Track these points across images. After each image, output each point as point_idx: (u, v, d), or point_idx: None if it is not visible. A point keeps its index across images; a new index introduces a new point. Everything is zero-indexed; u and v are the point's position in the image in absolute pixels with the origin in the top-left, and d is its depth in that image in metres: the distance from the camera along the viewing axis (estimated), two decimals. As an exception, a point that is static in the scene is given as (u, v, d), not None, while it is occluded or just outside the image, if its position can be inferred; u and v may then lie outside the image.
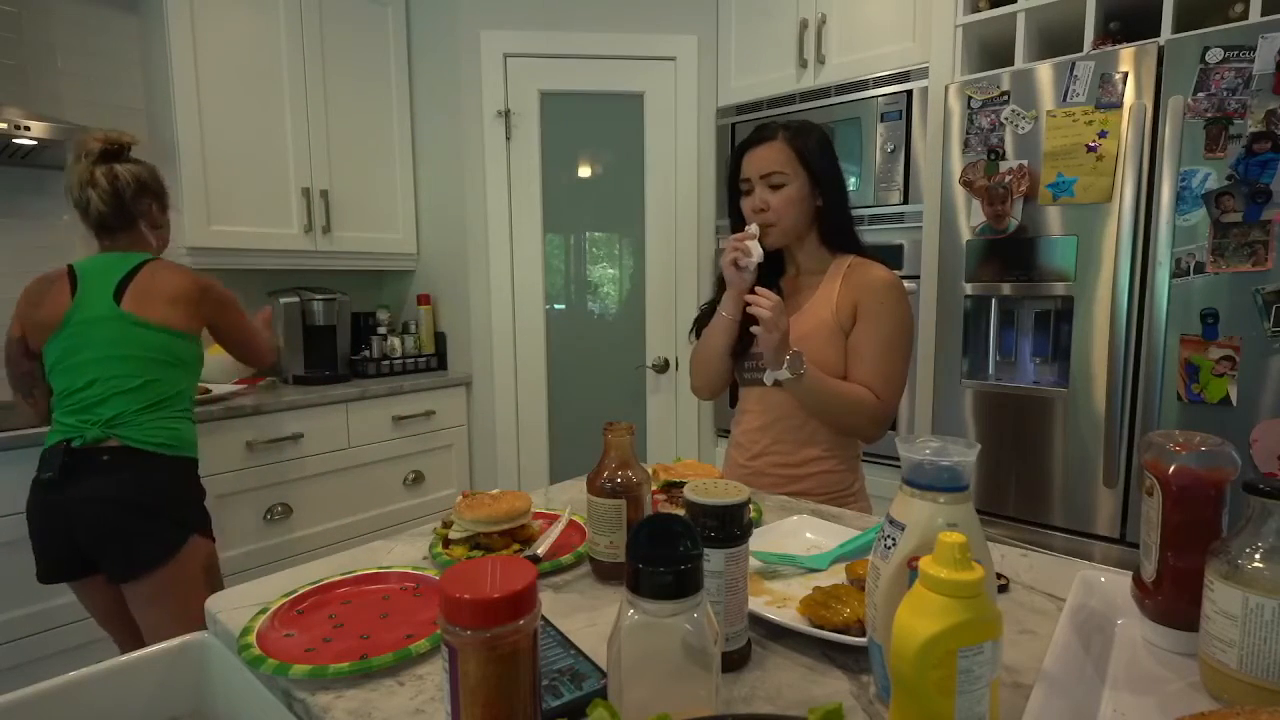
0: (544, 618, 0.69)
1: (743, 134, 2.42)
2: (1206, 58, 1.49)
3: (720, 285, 1.36)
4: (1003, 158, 1.76)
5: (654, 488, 1.05)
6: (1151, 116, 1.57)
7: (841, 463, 1.30)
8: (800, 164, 1.25)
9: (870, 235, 2.14)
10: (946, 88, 1.85)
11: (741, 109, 2.46)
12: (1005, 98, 1.75)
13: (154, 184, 1.59)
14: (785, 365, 1.15)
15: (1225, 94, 1.47)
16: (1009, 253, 1.77)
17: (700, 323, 1.41)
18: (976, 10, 1.95)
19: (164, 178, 1.62)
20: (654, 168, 2.56)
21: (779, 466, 1.30)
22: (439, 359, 2.81)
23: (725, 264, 1.26)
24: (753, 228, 1.25)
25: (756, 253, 1.23)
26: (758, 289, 1.15)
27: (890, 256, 2.11)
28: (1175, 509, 0.64)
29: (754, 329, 1.17)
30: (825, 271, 1.31)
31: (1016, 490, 1.80)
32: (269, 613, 0.75)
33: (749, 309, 1.15)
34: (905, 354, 1.27)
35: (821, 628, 0.69)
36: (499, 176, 2.53)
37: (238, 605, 0.80)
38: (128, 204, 1.53)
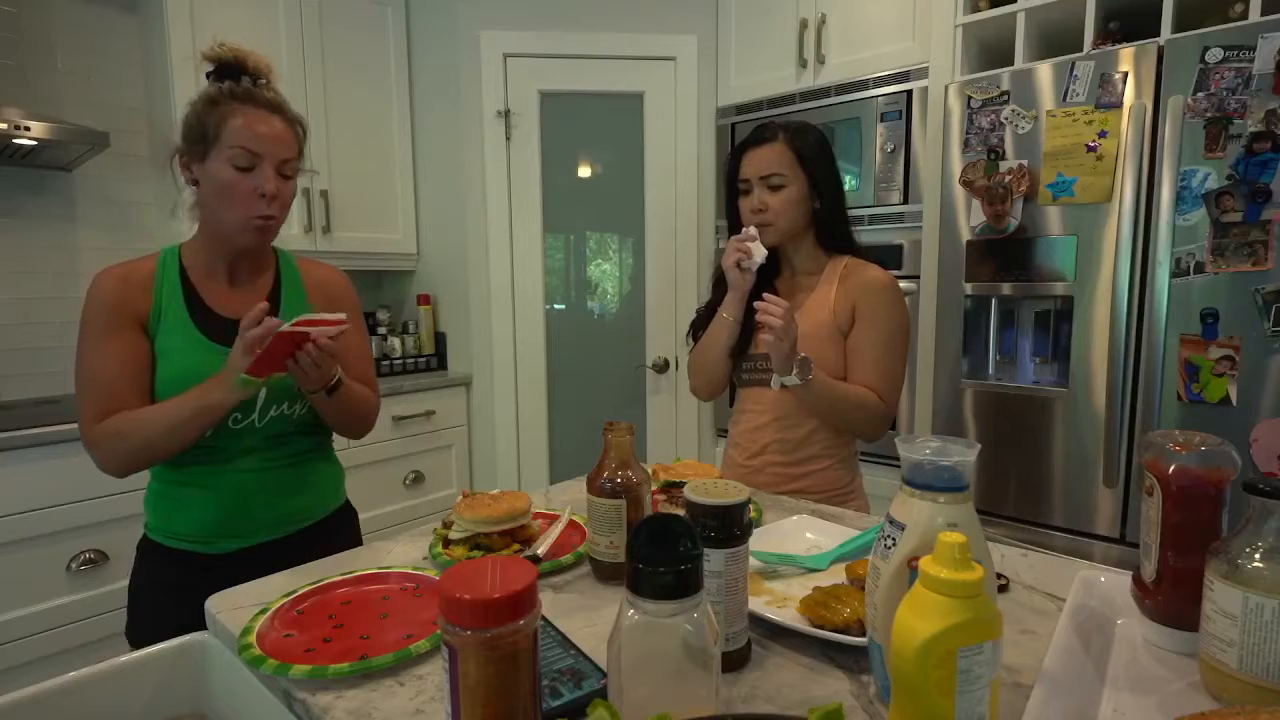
0: (544, 618, 0.69)
1: (743, 134, 2.41)
2: (1206, 57, 1.49)
3: (718, 286, 1.36)
4: (1003, 158, 1.76)
5: (654, 488, 1.05)
6: (1151, 116, 1.57)
7: (840, 462, 1.31)
8: (799, 166, 1.25)
9: (870, 235, 2.14)
10: (946, 88, 1.85)
11: (741, 109, 2.46)
12: (1005, 98, 1.75)
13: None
14: (795, 371, 1.14)
15: (1225, 94, 1.47)
16: (1009, 253, 1.77)
17: (697, 326, 1.41)
18: (976, 10, 1.95)
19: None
20: (654, 168, 2.56)
21: (777, 465, 1.31)
22: (439, 359, 2.81)
23: (728, 265, 1.26)
24: (752, 229, 1.25)
25: (759, 254, 1.23)
26: (767, 295, 1.14)
27: (890, 256, 2.11)
28: (1175, 509, 0.64)
29: (763, 336, 1.16)
30: (821, 273, 1.31)
31: (1016, 490, 1.80)
32: (269, 613, 0.75)
33: (758, 316, 1.13)
34: (904, 353, 1.28)
35: (821, 628, 0.69)
36: (499, 176, 2.53)
37: (238, 605, 0.80)
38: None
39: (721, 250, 1.30)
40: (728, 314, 1.30)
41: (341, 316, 0.98)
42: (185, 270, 1.08)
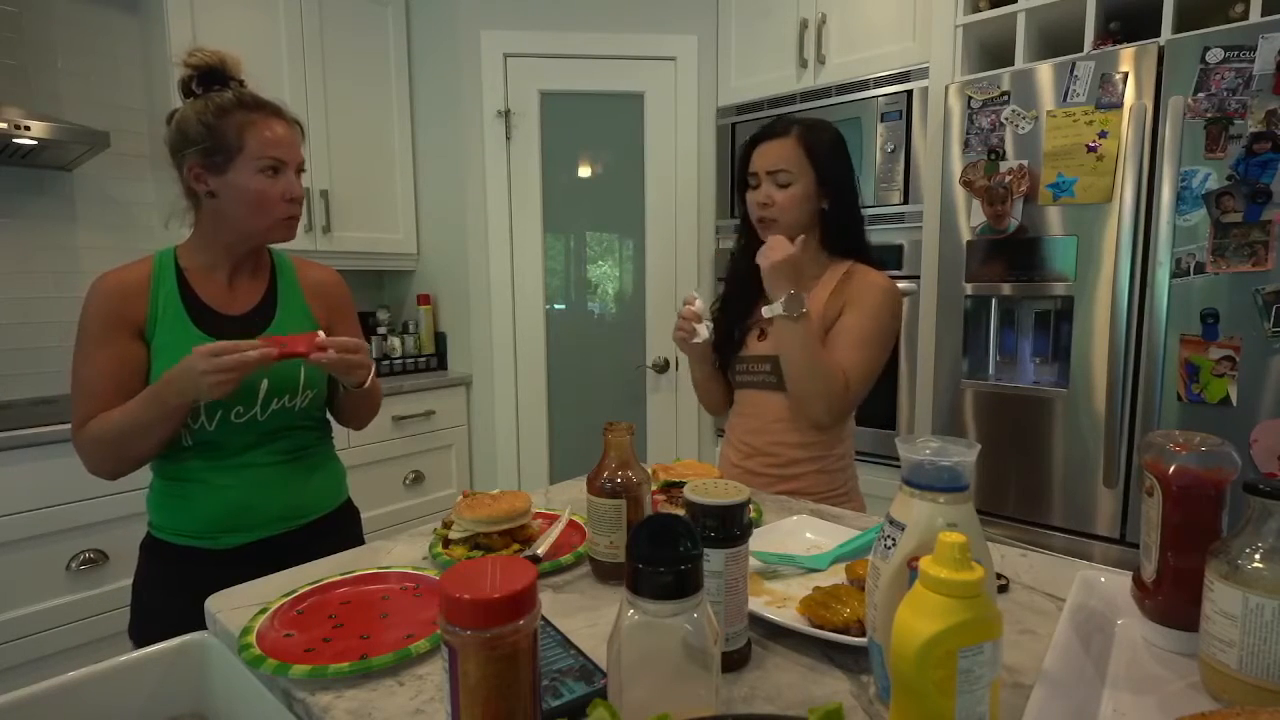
0: (544, 618, 0.69)
1: (743, 134, 2.42)
2: (1206, 58, 1.49)
3: (723, 284, 1.40)
4: (1003, 158, 1.76)
5: (654, 488, 1.05)
6: (1152, 116, 1.57)
7: (834, 462, 1.30)
8: (809, 163, 1.24)
9: (870, 235, 2.12)
10: (947, 88, 1.85)
11: (742, 109, 2.46)
12: (1005, 98, 1.75)
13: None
14: (781, 300, 1.16)
15: (1225, 94, 1.47)
16: (1009, 253, 1.77)
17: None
18: (976, 10, 1.95)
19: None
20: (654, 168, 2.56)
21: (770, 467, 1.30)
22: (439, 359, 2.81)
23: (676, 339, 1.33)
24: (698, 304, 1.29)
25: (703, 334, 1.28)
26: (771, 239, 1.21)
27: (890, 256, 2.11)
28: (1175, 509, 0.64)
29: (758, 258, 1.20)
30: (821, 276, 1.30)
31: (1016, 490, 1.80)
32: (269, 613, 0.75)
33: (759, 258, 1.19)
34: (881, 355, 1.26)
35: (821, 628, 0.69)
36: (499, 176, 2.53)
37: (238, 605, 0.80)
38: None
39: (723, 250, 1.31)
40: (695, 372, 1.41)
41: (316, 334, 1.03)
42: (182, 271, 1.09)
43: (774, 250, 1.18)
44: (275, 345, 0.97)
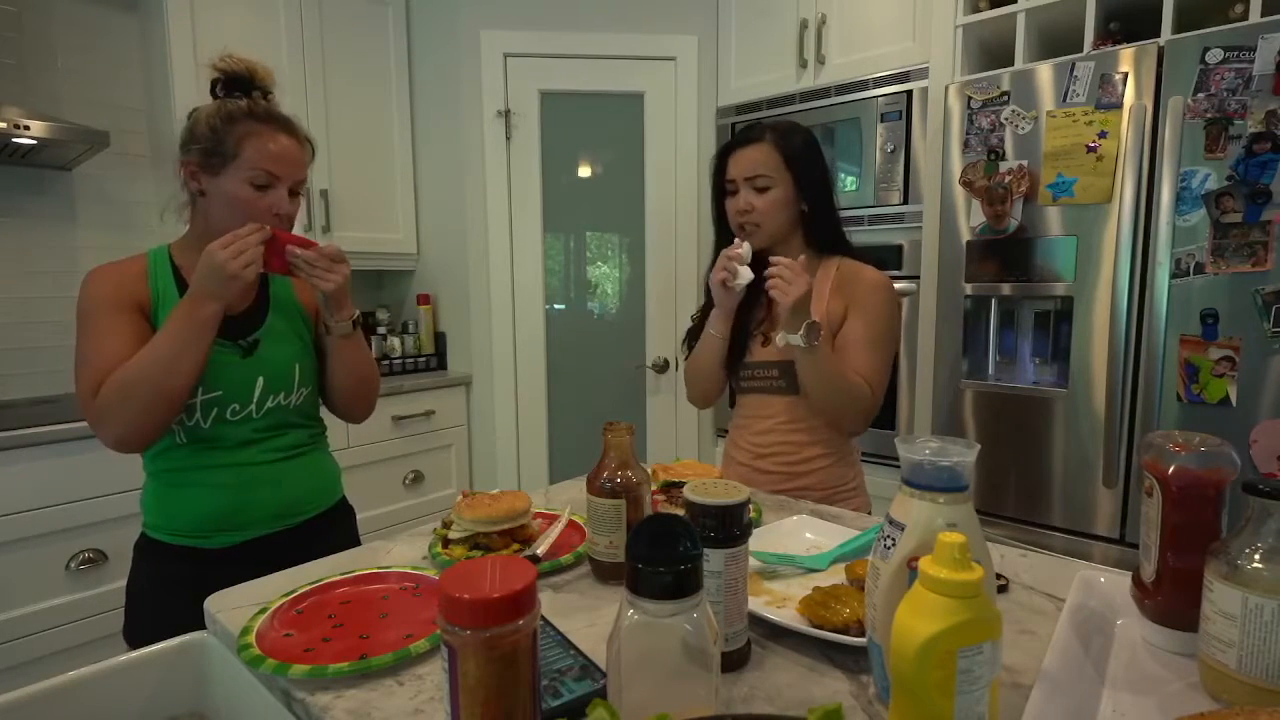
0: (544, 618, 0.69)
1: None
2: (1206, 58, 1.49)
3: (709, 294, 1.36)
4: (1003, 158, 1.76)
5: (654, 488, 1.05)
6: (1151, 117, 1.57)
7: (840, 459, 1.31)
8: (785, 167, 1.24)
9: (870, 235, 2.14)
10: (946, 88, 1.85)
11: (742, 109, 2.46)
12: (1005, 98, 1.75)
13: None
14: (801, 332, 1.13)
15: (1225, 94, 1.47)
16: (1009, 253, 1.77)
17: (692, 335, 1.40)
18: (976, 10, 1.95)
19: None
20: (654, 168, 2.56)
21: (781, 466, 1.31)
22: (439, 359, 2.81)
23: (714, 281, 1.24)
24: (745, 248, 1.22)
25: (745, 275, 1.20)
26: (773, 258, 1.15)
27: (890, 256, 2.11)
28: (1175, 509, 0.64)
29: (773, 293, 1.14)
30: (813, 275, 1.30)
31: (1016, 490, 1.80)
32: (268, 613, 0.75)
33: (769, 289, 1.14)
34: (892, 353, 1.28)
35: (821, 628, 0.69)
36: (499, 176, 2.53)
37: (237, 605, 0.80)
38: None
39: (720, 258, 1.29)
40: (715, 331, 1.30)
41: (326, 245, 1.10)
42: (177, 268, 1.09)
43: (793, 285, 1.12)
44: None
